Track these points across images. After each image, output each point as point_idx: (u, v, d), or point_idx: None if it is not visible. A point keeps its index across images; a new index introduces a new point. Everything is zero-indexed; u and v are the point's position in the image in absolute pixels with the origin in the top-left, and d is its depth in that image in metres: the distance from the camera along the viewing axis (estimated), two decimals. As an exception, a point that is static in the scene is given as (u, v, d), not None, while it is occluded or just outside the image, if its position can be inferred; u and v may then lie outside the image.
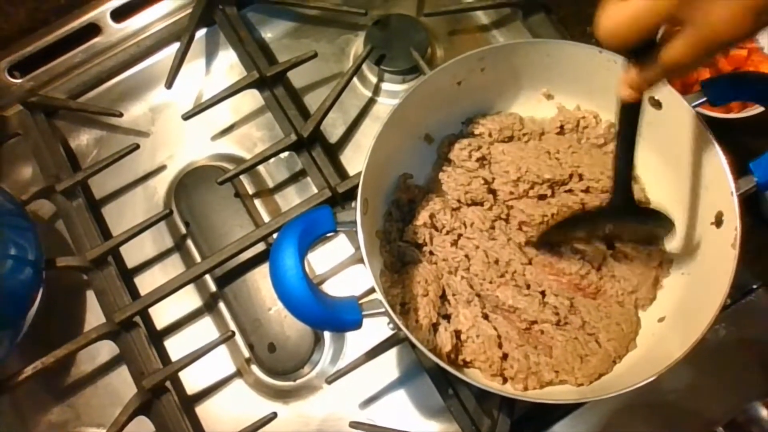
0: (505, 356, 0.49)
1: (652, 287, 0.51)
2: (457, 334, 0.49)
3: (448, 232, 0.52)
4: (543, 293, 0.51)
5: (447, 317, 0.51)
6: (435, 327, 0.49)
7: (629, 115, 0.42)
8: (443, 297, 0.51)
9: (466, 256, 0.52)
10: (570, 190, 0.54)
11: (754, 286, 0.56)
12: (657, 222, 0.49)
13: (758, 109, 0.58)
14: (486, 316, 0.50)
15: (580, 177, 0.54)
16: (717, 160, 0.46)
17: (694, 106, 0.48)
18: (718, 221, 0.47)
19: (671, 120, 0.50)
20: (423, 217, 0.52)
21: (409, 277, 0.50)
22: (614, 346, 0.48)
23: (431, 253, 0.52)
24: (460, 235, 0.53)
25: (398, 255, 0.52)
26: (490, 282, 0.51)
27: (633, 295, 0.51)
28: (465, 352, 0.49)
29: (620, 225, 0.50)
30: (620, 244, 0.52)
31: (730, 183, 0.45)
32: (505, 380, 0.49)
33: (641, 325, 0.50)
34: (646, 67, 0.36)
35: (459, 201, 0.53)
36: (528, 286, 0.51)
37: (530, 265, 0.52)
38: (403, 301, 0.50)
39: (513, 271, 0.51)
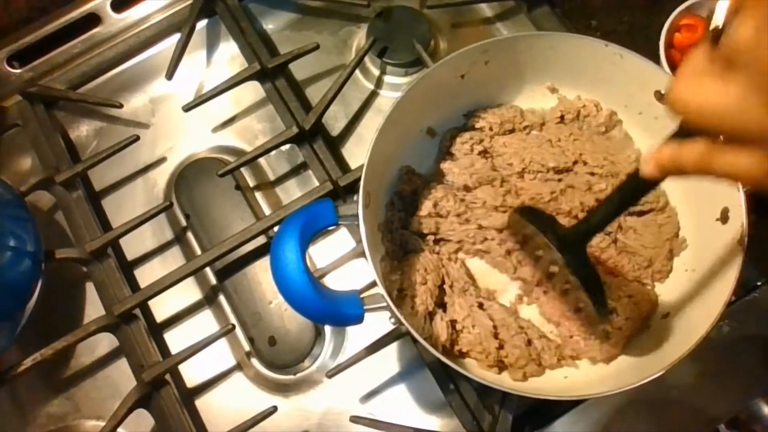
0: (501, 346, 0.48)
1: (666, 260, 0.51)
2: (453, 323, 0.49)
3: (455, 216, 0.52)
4: None
5: (443, 306, 0.50)
6: (431, 316, 0.49)
7: (637, 190, 0.38)
8: (441, 287, 0.51)
9: (480, 226, 0.51)
10: (575, 173, 0.54)
11: (759, 283, 0.55)
12: (595, 298, 0.44)
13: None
14: (481, 305, 0.50)
15: (585, 163, 0.53)
16: (723, 156, 0.46)
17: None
18: (724, 217, 0.46)
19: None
20: (427, 207, 0.52)
21: (409, 265, 0.50)
22: (629, 326, 0.48)
23: (435, 242, 0.52)
24: (468, 219, 0.52)
25: (400, 244, 0.52)
26: (508, 252, 0.51)
27: (649, 269, 0.51)
28: (461, 342, 0.49)
29: (564, 272, 0.48)
30: (630, 218, 0.52)
31: (736, 179, 0.45)
32: (502, 369, 0.49)
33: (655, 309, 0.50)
34: (692, 154, 0.30)
35: (466, 187, 0.53)
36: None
37: None
38: (401, 287, 0.49)
39: (531, 241, 0.51)
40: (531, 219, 0.46)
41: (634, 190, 0.38)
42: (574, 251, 0.44)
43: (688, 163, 0.30)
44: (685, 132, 0.30)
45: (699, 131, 0.29)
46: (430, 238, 0.52)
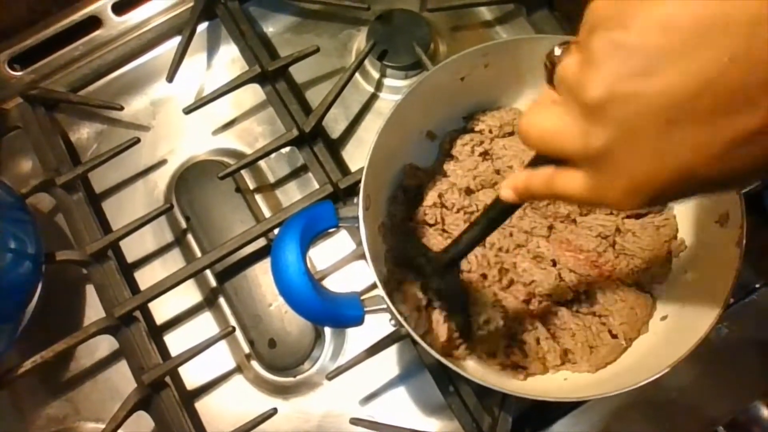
0: (508, 345, 0.49)
1: (666, 262, 0.51)
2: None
3: (458, 210, 0.52)
4: (560, 270, 0.51)
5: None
6: (430, 316, 0.49)
7: (502, 213, 0.39)
8: None
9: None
10: None
11: (757, 285, 0.56)
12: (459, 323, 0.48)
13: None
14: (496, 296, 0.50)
15: None
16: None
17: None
18: (723, 220, 0.47)
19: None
20: (432, 197, 0.52)
21: (412, 265, 0.50)
22: (625, 330, 0.48)
23: (443, 231, 0.52)
24: (472, 213, 0.53)
25: (403, 237, 0.52)
26: (506, 252, 0.51)
27: (647, 272, 0.51)
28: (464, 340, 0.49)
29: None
30: (627, 221, 0.52)
31: (734, 181, 0.45)
32: (506, 367, 0.49)
33: (652, 313, 0.50)
34: (539, 179, 0.32)
35: (468, 189, 0.53)
36: (545, 260, 0.51)
37: (547, 242, 0.52)
38: (401, 287, 0.49)
39: (530, 245, 0.51)
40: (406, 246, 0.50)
41: (499, 214, 0.40)
42: (445, 274, 0.46)
43: (537, 188, 0.33)
44: (538, 160, 0.33)
45: (548, 158, 0.31)
46: (438, 227, 0.52)
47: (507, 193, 0.35)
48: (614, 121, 0.25)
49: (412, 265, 0.49)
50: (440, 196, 0.52)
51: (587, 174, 0.29)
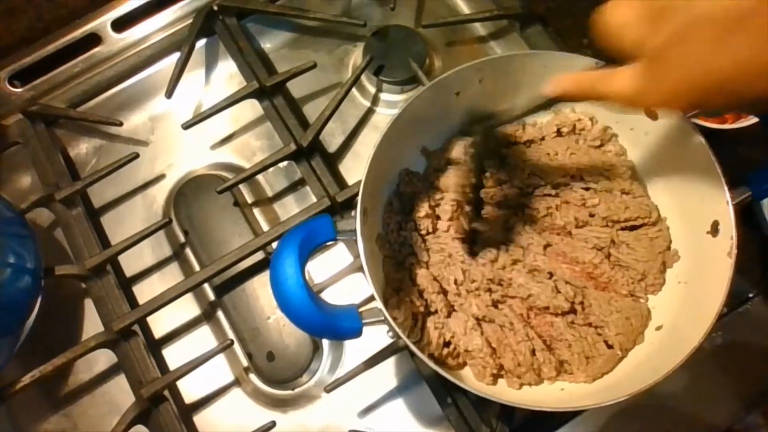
0: (500, 355, 0.49)
1: (659, 273, 0.51)
2: (452, 333, 0.49)
3: (450, 219, 0.53)
4: (556, 282, 0.51)
5: (434, 313, 0.51)
6: (425, 324, 0.49)
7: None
8: (444, 292, 0.51)
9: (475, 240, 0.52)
10: (571, 188, 0.54)
11: (750, 295, 0.56)
12: None
13: (752, 119, 0.58)
14: (496, 305, 0.50)
15: (581, 178, 0.54)
16: (712, 170, 0.47)
17: (690, 117, 0.49)
18: (714, 230, 0.47)
19: (667, 130, 0.50)
20: (424, 208, 0.52)
21: (410, 272, 0.51)
22: (621, 341, 0.49)
23: (434, 242, 0.53)
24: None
25: (399, 249, 0.53)
26: (503, 267, 0.51)
27: (642, 283, 0.51)
28: (459, 347, 0.49)
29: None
30: (622, 233, 0.53)
31: (725, 192, 0.46)
32: (498, 378, 0.49)
33: (648, 323, 0.51)
34: (590, 76, 0.37)
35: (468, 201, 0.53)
36: (541, 273, 0.52)
37: (544, 255, 0.52)
38: (399, 295, 0.50)
39: (527, 259, 0.52)
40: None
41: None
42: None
43: (586, 83, 0.37)
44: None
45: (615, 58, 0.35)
46: (430, 239, 0.53)
47: (551, 87, 0.39)
48: (677, 21, 0.29)
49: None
50: (432, 207, 0.53)
51: (638, 72, 0.32)
